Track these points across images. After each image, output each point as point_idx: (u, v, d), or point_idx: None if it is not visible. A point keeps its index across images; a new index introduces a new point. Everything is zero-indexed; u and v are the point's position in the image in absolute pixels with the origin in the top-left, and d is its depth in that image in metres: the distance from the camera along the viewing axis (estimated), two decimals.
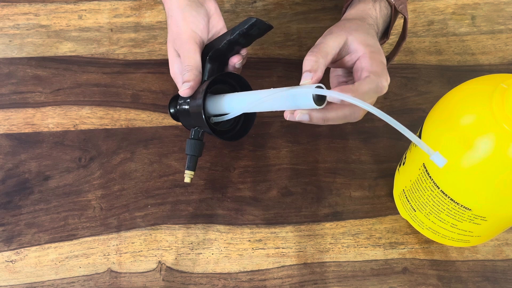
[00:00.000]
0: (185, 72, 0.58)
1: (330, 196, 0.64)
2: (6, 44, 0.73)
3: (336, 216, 0.63)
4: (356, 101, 0.46)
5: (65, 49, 0.73)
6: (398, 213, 0.63)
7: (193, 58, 0.59)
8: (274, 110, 0.53)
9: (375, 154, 0.67)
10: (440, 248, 0.62)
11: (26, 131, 0.68)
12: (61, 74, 0.71)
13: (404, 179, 0.59)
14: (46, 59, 0.72)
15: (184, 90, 0.58)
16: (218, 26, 0.63)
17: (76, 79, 0.71)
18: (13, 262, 0.61)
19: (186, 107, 0.60)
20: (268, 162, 0.66)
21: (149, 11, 0.76)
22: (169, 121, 0.68)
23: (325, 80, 0.55)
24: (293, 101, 0.50)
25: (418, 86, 0.71)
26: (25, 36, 0.74)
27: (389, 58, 0.64)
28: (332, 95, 0.48)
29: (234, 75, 0.61)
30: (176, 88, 0.70)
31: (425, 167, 0.53)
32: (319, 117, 0.51)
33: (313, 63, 0.51)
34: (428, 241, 0.62)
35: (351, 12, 0.59)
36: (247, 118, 0.63)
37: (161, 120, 0.68)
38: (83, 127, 0.68)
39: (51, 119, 0.68)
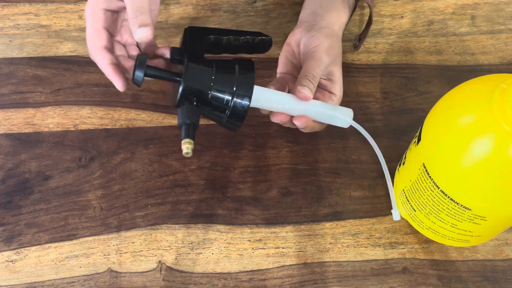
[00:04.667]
0: (137, 15, 0.52)
1: (330, 196, 0.64)
2: (6, 44, 0.73)
3: (336, 216, 0.63)
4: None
5: (65, 49, 0.73)
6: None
7: (145, 0, 0.52)
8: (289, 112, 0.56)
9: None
10: (440, 248, 0.62)
11: (26, 131, 0.68)
12: (61, 74, 0.71)
13: (404, 179, 0.59)
14: (46, 59, 0.72)
15: (145, 36, 0.51)
16: None
17: (76, 79, 0.71)
18: (13, 262, 0.61)
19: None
20: (268, 162, 0.66)
21: None
22: (169, 121, 0.68)
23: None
24: (328, 120, 0.57)
25: (418, 86, 0.71)
26: (25, 36, 0.74)
27: (360, 39, 0.72)
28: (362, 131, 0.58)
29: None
30: None
31: (425, 167, 0.53)
32: (315, 126, 0.58)
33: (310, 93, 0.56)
34: (428, 241, 0.62)
35: (325, 17, 0.63)
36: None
37: (161, 120, 0.68)
38: (83, 127, 0.68)
39: (51, 119, 0.68)
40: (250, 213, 0.63)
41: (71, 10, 0.76)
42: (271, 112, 0.57)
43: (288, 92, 0.58)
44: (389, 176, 0.58)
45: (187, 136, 0.50)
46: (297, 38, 0.62)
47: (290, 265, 0.61)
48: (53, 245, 0.62)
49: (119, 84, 0.54)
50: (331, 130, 0.68)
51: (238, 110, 0.53)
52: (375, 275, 0.60)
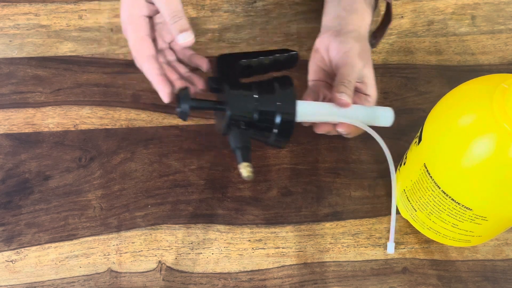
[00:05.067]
0: (176, 20, 0.53)
1: (330, 196, 0.64)
2: (6, 44, 0.73)
3: (336, 216, 0.63)
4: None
5: (65, 49, 0.73)
6: (398, 213, 0.63)
7: (179, 4, 0.53)
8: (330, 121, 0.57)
9: (375, 154, 0.67)
10: (440, 248, 0.62)
11: (26, 131, 0.68)
12: (61, 74, 0.71)
13: (404, 179, 0.59)
14: (46, 59, 0.72)
15: (188, 40, 0.52)
16: None
17: (76, 79, 0.71)
18: (13, 262, 0.61)
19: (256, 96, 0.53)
20: (268, 162, 0.66)
21: None
22: (169, 121, 0.68)
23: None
24: (371, 121, 0.58)
25: (418, 86, 0.71)
26: (25, 36, 0.74)
27: (376, 37, 0.69)
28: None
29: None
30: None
31: (425, 167, 0.53)
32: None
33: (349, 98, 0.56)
34: (428, 241, 0.62)
35: (350, 20, 0.62)
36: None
37: (161, 120, 0.68)
38: (83, 127, 0.68)
39: (51, 119, 0.68)
40: (250, 213, 0.63)
41: (71, 10, 0.76)
42: (313, 123, 0.57)
43: (324, 98, 0.59)
44: (395, 201, 0.57)
45: (244, 160, 0.51)
46: (325, 44, 0.61)
47: (290, 265, 0.61)
48: (53, 245, 0.62)
49: (166, 94, 0.55)
50: None
51: (285, 127, 0.54)
52: (375, 275, 0.60)
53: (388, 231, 0.62)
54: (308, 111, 0.56)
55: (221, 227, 0.63)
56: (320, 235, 0.62)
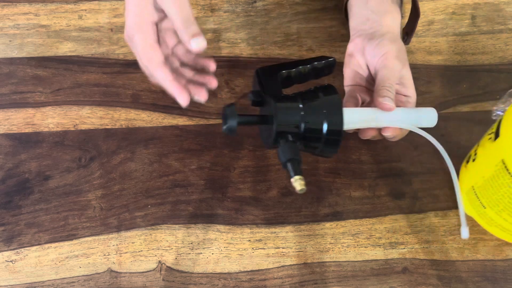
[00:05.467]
0: (187, 26, 0.53)
1: (330, 196, 0.64)
2: (6, 44, 0.73)
3: (336, 216, 0.63)
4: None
5: (65, 49, 0.73)
6: (398, 213, 0.63)
7: (190, 10, 0.53)
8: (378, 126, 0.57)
9: (375, 154, 0.67)
10: (440, 248, 0.62)
11: (26, 131, 0.68)
12: (61, 74, 0.71)
13: (474, 176, 0.57)
14: (46, 59, 0.72)
15: (201, 46, 0.52)
16: None
17: (76, 79, 0.71)
18: (13, 262, 0.61)
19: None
20: (268, 162, 0.66)
21: None
22: (169, 121, 0.68)
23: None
24: (415, 123, 0.57)
25: (418, 86, 0.70)
26: (25, 36, 0.74)
27: (407, 33, 0.68)
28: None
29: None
30: None
31: (504, 163, 0.51)
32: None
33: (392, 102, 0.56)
34: (428, 241, 0.62)
35: (383, 22, 0.61)
36: None
37: (161, 120, 0.68)
38: (83, 127, 0.68)
39: (51, 119, 0.68)
40: (250, 213, 0.63)
41: (71, 10, 0.76)
42: (358, 129, 0.57)
43: (363, 103, 0.59)
44: (459, 192, 0.54)
45: (296, 173, 0.50)
46: (360, 48, 0.61)
47: (290, 265, 0.61)
48: (53, 245, 0.62)
49: (184, 99, 0.54)
50: None
51: (333, 136, 0.53)
52: (375, 275, 0.60)
53: (388, 231, 0.63)
54: (353, 118, 0.55)
55: (221, 227, 0.63)
56: (320, 235, 0.62)
